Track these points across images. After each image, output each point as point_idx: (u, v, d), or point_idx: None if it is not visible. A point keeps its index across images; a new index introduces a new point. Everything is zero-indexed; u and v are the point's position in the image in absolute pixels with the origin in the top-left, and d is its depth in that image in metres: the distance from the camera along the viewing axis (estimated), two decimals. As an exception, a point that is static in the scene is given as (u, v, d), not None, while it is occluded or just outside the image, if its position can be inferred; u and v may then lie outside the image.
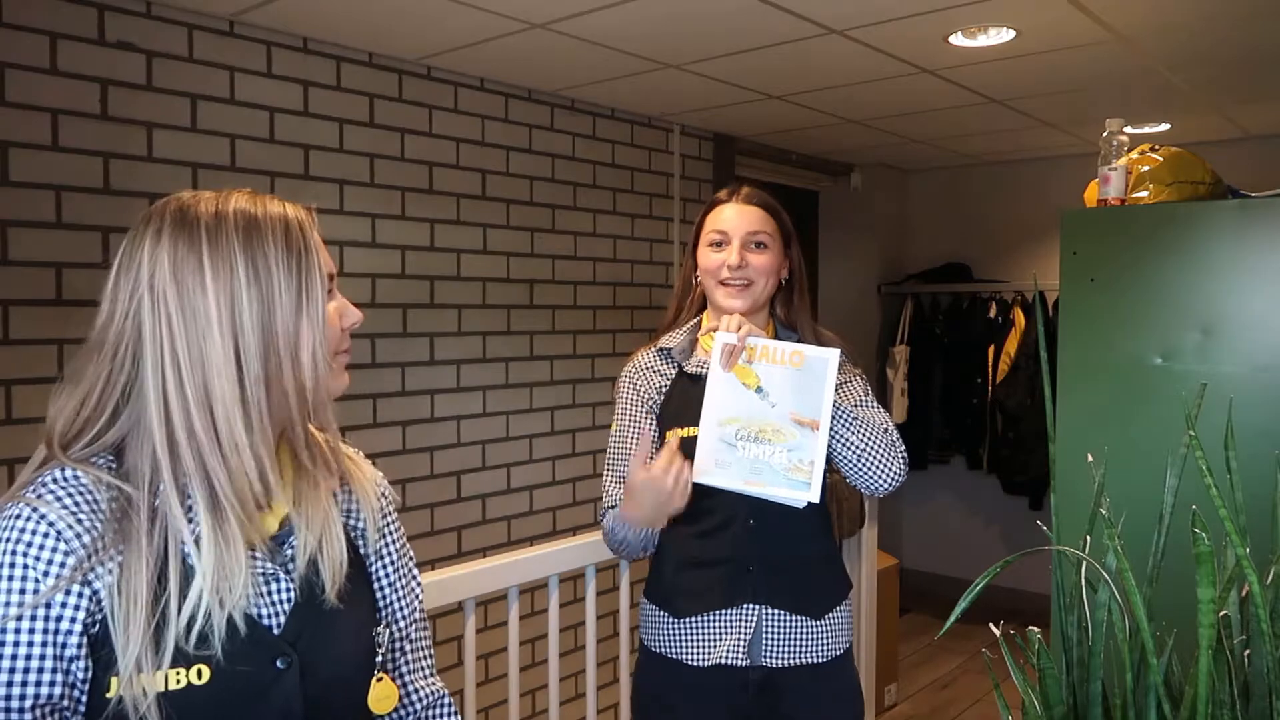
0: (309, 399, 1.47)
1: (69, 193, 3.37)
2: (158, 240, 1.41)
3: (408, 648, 1.74)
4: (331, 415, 1.55)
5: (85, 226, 3.40)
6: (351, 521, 1.66)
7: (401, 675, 1.73)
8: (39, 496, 1.36)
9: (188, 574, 1.37)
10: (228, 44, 3.76)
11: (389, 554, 1.71)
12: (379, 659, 1.61)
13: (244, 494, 1.41)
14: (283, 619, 1.47)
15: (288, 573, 1.49)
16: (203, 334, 1.39)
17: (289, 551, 1.50)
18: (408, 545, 1.79)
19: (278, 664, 1.44)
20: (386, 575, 1.70)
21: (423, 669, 1.77)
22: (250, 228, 1.43)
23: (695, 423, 2.54)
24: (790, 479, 2.39)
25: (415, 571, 1.78)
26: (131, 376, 1.41)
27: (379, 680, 1.60)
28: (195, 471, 1.39)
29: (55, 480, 1.38)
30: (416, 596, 1.76)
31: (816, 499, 2.41)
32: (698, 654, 2.60)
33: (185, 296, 1.39)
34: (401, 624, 1.71)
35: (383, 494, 1.74)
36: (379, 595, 1.68)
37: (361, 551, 1.66)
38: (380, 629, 1.64)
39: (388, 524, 1.73)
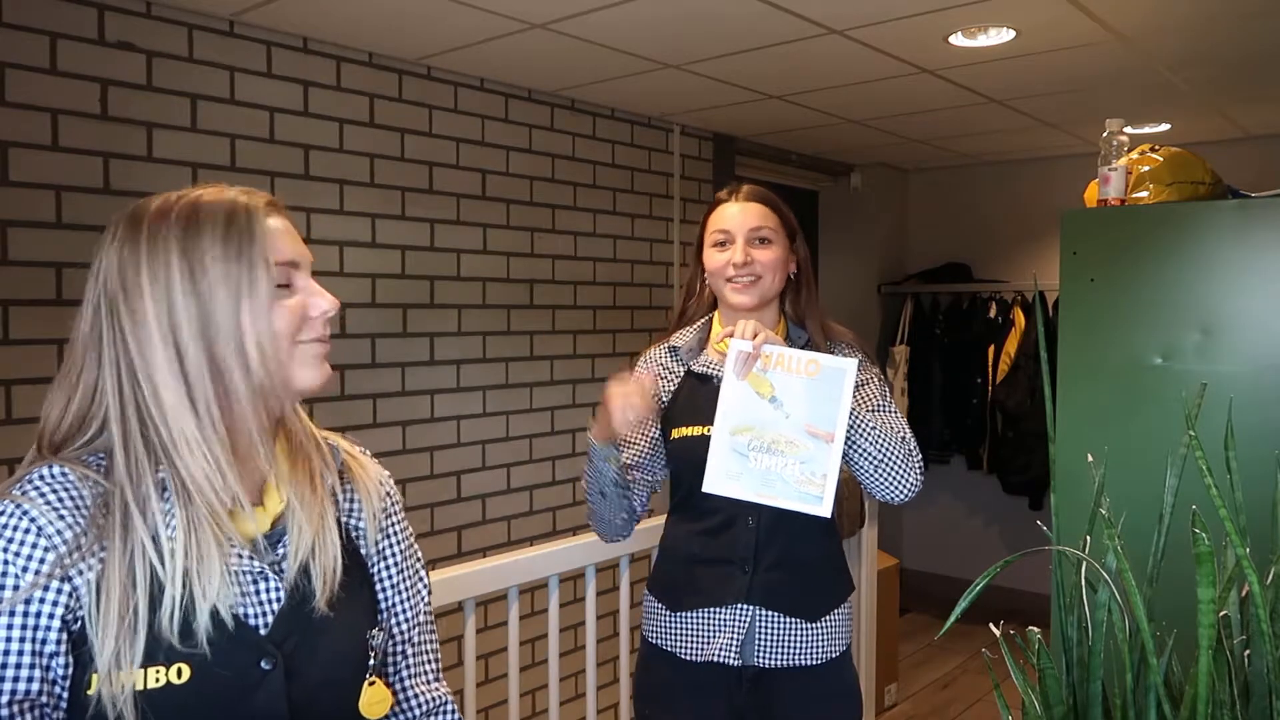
0: (263, 392, 1.45)
1: (69, 193, 3.37)
2: (111, 244, 1.43)
3: (410, 651, 1.71)
4: (292, 409, 1.55)
5: (85, 226, 3.39)
6: (352, 521, 1.64)
7: (402, 680, 1.70)
8: (24, 493, 1.37)
9: (163, 571, 1.37)
10: (228, 44, 3.76)
11: (392, 554, 1.69)
12: (372, 662, 1.58)
13: (204, 489, 1.40)
14: (270, 619, 1.45)
15: (278, 573, 1.48)
16: (145, 334, 1.40)
17: (281, 551, 1.49)
18: (415, 547, 1.76)
19: (262, 665, 1.43)
20: (389, 576, 1.68)
21: (425, 674, 1.74)
22: (190, 222, 1.42)
23: (700, 422, 2.55)
24: (802, 492, 2.35)
25: (422, 574, 1.76)
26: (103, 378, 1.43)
27: (371, 684, 1.56)
28: (153, 468, 1.40)
29: (41, 477, 1.39)
30: (422, 599, 1.74)
31: (828, 514, 2.37)
32: (692, 649, 2.61)
33: (129, 299, 1.40)
34: (404, 627, 1.69)
35: (387, 493, 1.72)
36: (380, 596, 1.66)
37: (363, 552, 1.64)
38: (374, 631, 1.60)
39: (392, 524, 1.71)
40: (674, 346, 2.74)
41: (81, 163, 3.39)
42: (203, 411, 1.41)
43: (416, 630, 1.72)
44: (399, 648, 1.70)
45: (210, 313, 1.40)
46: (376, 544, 1.67)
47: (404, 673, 1.70)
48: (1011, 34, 3.98)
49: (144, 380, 1.40)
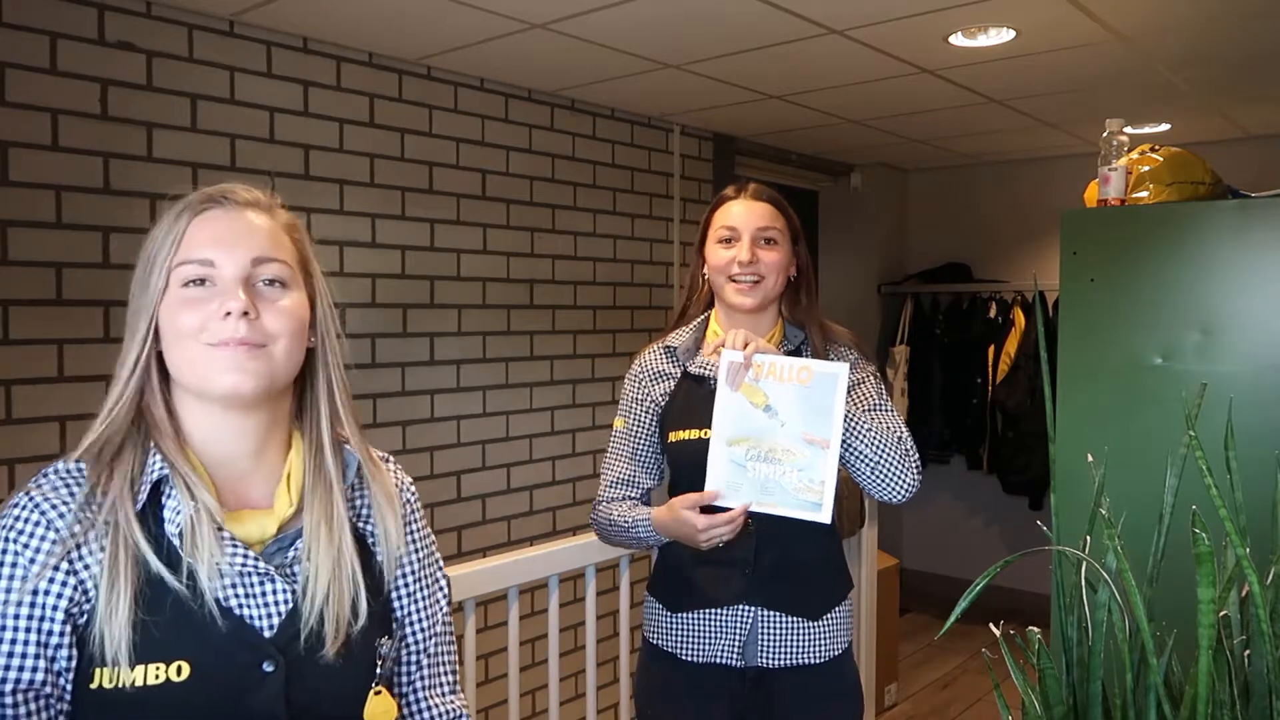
0: (188, 390, 1.48)
1: (69, 193, 3.36)
2: None
3: (425, 661, 1.69)
4: (296, 416, 1.60)
5: (85, 226, 3.39)
6: (369, 528, 1.62)
7: (415, 690, 1.68)
8: (38, 487, 1.41)
9: (159, 566, 1.39)
10: (228, 44, 3.76)
11: (410, 563, 1.67)
12: (379, 671, 1.56)
13: (194, 484, 1.43)
14: (275, 621, 1.45)
15: (285, 577, 1.48)
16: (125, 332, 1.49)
17: (291, 554, 1.49)
18: (435, 554, 1.74)
19: (264, 667, 1.43)
20: (405, 585, 1.66)
21: (441, 686, 1.72)
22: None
23: (697, 425, 2.55)
24: (801, 500, 2.35)
25: (442, 583, 1.74)
26: None
27: (377, 694, 1.54)
28: (142, 462, 1.44)
29: (55, 471, 1.43)
30: (440, 609, 1.72)
31: (828, 520, 2.37)
32: (693, 650, 2.61)
33: None
34: (419, 637, 1.67)
35: (406, 501, 1.70)
36: (396, 605, 1.65)
37: (379, 558, 1.62)
38: (384, 639, 1.58)
39: (411, 533, 1.69)
40: (670, 347, 2.74)
41: (81, 163, 3.39)
42: (128, 405, 1.46)
43: (433, 641, 1.70)
44: (414, 658, 1.68)
45: (133, 310, 1.48)
46: (393, 553, 1.64)
47: (418, 683, 1.69)
48: (1011, 34, 3.98)
49: (116, 375, 1.48)
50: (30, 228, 3.29)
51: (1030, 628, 1.51)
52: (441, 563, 1.76)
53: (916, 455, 2.56)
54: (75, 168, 3.38)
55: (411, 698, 1.68)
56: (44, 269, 3.31)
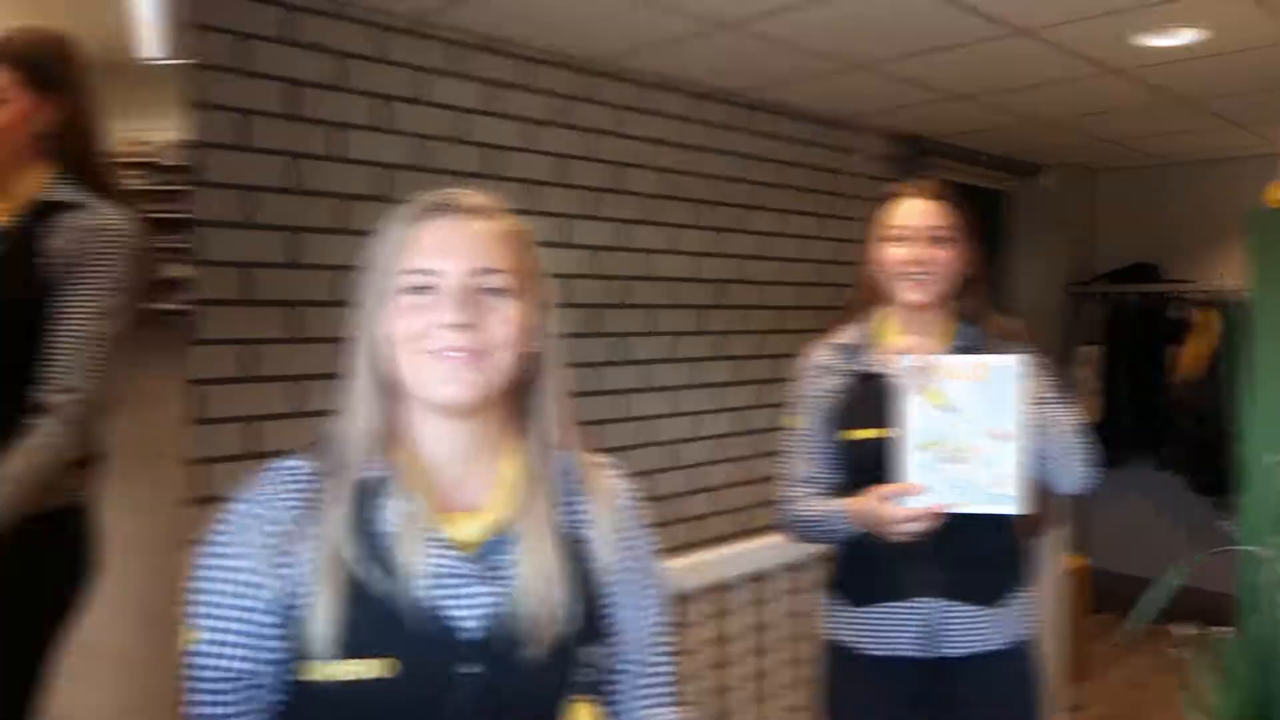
0: (399, 394, 1.51)
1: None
2: None
3: (635, 671, 1.63)
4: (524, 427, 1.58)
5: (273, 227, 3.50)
6: (581, 531, 1.58)
7: (625, 701, 1.62)
8: (258, 483, 1.48)
9: (366, 564, 1.42)
10: (417, 45, 3.83)
11: (623, 570, 1.61)
12: (581, 679, 1.50)
13: (401, 485, 1.47)
14: (478, 624, 1.44)
15: (493, 580, 1.47)
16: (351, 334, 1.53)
17: (501, 557, 1.48)
18: (653, 563, 1.70)
19: (461, 670, 1.42)
20: (617, 593, 1.60)
21: (658, 699, 1.66)
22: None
23: (874, 424, 2.55)
24: (993, 494, 2.37)
25: (661, 592, 1.69)
26: None
27: (579, 703, 1.49)
28: (360, 461, 1.49)
29: (274, 469, 1.49)
30: (654, 618, 1.66)
31: (1022, 511, 2.39)
32: (876, 644, 2.63)
33: None
34: (630, 646, 1.62)
35: (625, 506, 1.66)
36: (607, 613, 1.58)
37: (589, 564, 1.56)
38: (587, 647, 1.52)
39: (628, 538, 1.64)
40: (839, 344, 2.75)
41: (269, 162, 3.50)
42: (362, 406, 1.50)
43: (645, 650, 1.65)
44: (625, 667, 1.62)
45: (360, 314, 1.51)
46: (607, 560, 1.59)
47: (629, 693, 1.64)
48: (1200, 34, 3.92)
49: (348, 380, 1.52)
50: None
51: (1218, 628, 1.52)
52: (661, 571, 1.71)
53: (1090, 447, 2.54)
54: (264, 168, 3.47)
55: (621, 708, 1.62)
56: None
